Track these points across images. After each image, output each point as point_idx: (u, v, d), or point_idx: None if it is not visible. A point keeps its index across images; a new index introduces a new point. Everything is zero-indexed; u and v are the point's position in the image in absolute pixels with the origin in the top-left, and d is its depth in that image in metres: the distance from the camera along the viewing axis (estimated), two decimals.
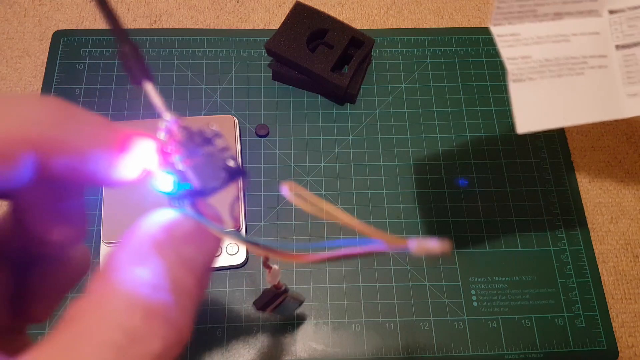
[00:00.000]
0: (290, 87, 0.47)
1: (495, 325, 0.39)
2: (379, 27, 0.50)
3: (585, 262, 0.41)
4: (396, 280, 0.40)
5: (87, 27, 0.49)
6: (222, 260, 0.39)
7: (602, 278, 0.41)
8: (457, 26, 0.51)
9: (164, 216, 0.13)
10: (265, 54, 0.46)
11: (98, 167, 0.13)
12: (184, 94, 0.46)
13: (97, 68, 0.47)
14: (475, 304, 0.39)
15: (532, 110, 0.26)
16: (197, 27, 0.50)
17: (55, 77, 0.46)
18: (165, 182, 0.14)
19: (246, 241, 0.14)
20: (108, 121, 0.14)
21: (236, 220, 0.15)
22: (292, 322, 0.38)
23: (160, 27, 0.49)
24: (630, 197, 0.44)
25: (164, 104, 0.14)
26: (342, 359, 0.37)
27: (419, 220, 0.42)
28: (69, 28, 0.49)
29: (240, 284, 0.39)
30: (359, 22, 0.51)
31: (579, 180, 0.44)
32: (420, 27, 0.51)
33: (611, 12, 0.27)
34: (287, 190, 0.14)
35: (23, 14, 0.50)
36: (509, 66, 0.27)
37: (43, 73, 0.46)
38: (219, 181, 0.14)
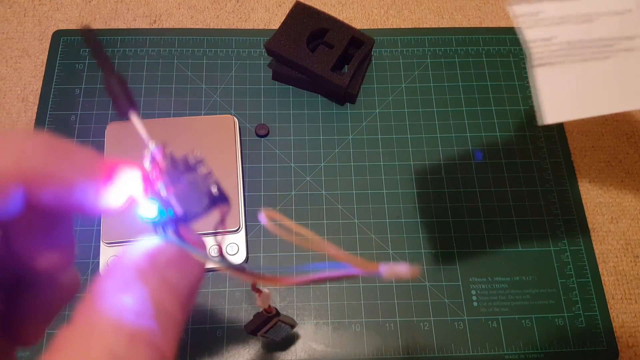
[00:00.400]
0: (290, 87, 0.47)
1: (496, 325, 0.39)
2: (379, 27, 0.50)
3: (586, 262, 0.41)
4: (396, 280, 0.40)
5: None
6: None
7: (602, 278, 0.41)
8: (457, 26, 0.51)
9: (147, 243, 0.14)
10: (265, 54, 0.46)
11: (85, 197, 0.14)
12: (184, 93, 0.46)
13: (97, 68, 0.47)
14: (475, 304, 0.39)
15: (560, 99, 0.25)
16: (197, 26, 0.50)
17: (55, 77, 0.46)
18: (149, 209, 0.14)
19: (230, 267, 0.14)
20: (95, 153, 0.14)
21: (219, 246, 0.15)
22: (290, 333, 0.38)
23: (160, 27, 0.49)
24: (631, 197, 0.44)
25: (147, 134, 0.15)
26: (342, 359, 0.37)
27: (419, 220, 0.42)
28: (69, 28, 0.49)
29: (240, 284, 0.39)
30: (359, 21, 0.50)
31: (579, 180, 0.44)
32: (421, 26, 0.51)
33: None
34: (264, 218, 0.14)
35: (23, 14, 0.50)
36: (532, 49, 0.25)
37: (43, 73, 0.46)
38: (201, 207, 0.15)
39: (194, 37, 0.48)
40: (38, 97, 0.45)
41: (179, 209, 0.14)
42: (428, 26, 0.51)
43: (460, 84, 0.47)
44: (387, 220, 0.42)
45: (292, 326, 0.32)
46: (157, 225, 0.15)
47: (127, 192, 0.15)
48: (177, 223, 0.14)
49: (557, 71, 0.25)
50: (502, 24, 0.51)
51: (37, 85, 0.46)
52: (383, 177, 0.43)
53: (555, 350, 0.38)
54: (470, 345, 0.38)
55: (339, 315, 0.39)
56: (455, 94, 0.47)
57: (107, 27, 0.49)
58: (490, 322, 0.39)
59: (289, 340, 0.37)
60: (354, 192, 0.43)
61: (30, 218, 0.15)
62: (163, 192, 0.14)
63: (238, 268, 0.15)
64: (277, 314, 0.28)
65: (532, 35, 0.25)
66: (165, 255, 0.14)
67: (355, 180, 0.43)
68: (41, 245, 0.15)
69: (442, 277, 0.40)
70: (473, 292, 0.40)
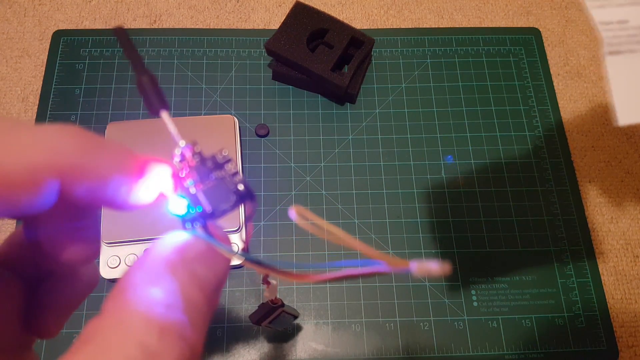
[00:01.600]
0: (290, 87, 0.47)
1: (496, 325, 0.39)
2: (379, 27, 0.50)
3: (586, 262, 0.41)
4: (396, 280, 0.40)
5: (87, 27, 0.49)
6: None
7: (602, 278, 0.41)
8: (457, 26, 0.51)
9: (177, 238, 0.14)
10: (265, 54, 0.46)
11: (117, 192, 0.14)
12: (184, 93, 0.46)
13: (97, 68, 0.47)
14: (475, 304, 0.39)
15: (634, 89, 0.21)
16: (197, 27, 0.50)
17: (55, 77, 0.46)
18: (178, 205, 0.15)
19: (252, 261, 0.15)
20: (126, 148, 0.14)
21: (246, 242, 0.16)
22: (292, 323, 0.38)
23: (160, 27, 0.49)
24: (631, 197, 0.44)
25: (178, 132, 0.15)
26: (342, 359, 0.37)
27: (419, 220, 0.42)
28: (69, 28, 0.49)
29: (240, 284, 0.39)
30: (359, 21, 0.50)
31: (579, 180, 0.44)
32: (421, 27, 0.51)
33: None
34: (294, 214, 0.14)
35: (23, 14, 0.50)
36: (604, 33, 0.21)
37: (43, 73, 0.46)
38: (229, 204, 0.15)
39: (194, 37, 0.48)
40: (38, 97, 0.45)
41: (207, 206, 0.15)
42: (428, 26, 0.51)
43: (460, 84, 0.47)
44: (387, 220, 0.42)
45: (295, 317, 0.33)
46: (186, 221, 0.15)
47: (157, 188, 0.15)
48: (205, 219, 0.15)
49: (633, 60, 0.21)
50: (502, 24, 0.51)
51: (37, 85, 0.46)
52: (383, 177, 0.43)
53: (555, 350, 0.38)
54: (470, 345, 0.38)
55: (339, 315, 0.39)
56: (455, 94, 0.47)
57: (107, 27, 0.49)
58: (490, 322, 0.39)
59: (291, 331, 0.38)
60: (354, 192, 0.43)
61: (60, 211, 0.15)
62: (192, 189, 0.15)
63: (258, 261, 0.15)
64: (282, 304, 0.29)
65: (603, 17, 0.21)
66: (194, 250, 0.14)
67: (355, 180, 0.43)
68: (68, 238, 0.15)
69: (442, 277, 0.40)
70: (473, 292, 0.40)
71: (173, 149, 0.15)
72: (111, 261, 0.38)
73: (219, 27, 0.50)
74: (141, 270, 0.13)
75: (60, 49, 0.47)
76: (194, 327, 0.13)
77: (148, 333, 0.12)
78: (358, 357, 0.37)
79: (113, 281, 0.38)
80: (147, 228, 0.37)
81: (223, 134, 0.42)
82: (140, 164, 0.14)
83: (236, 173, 0.15)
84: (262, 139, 0.44)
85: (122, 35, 0.16)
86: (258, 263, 0.15)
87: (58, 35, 0.48)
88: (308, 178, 0.43)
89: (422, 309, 0.39)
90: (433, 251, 0.41)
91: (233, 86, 0.46)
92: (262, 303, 0.29)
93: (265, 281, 0.22)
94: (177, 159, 0.15)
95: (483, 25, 0.51)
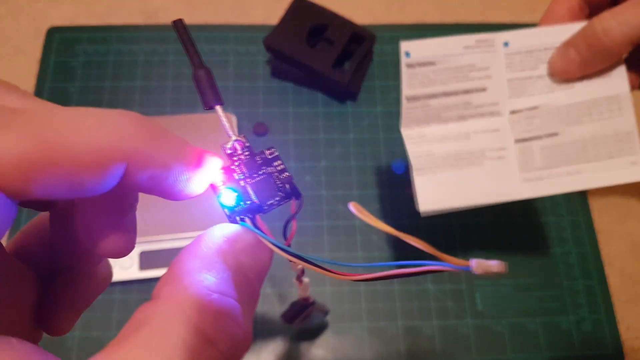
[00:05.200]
0: (290, 84, 0.46)
1: (500, 329, 0.38)
2: (381, 23, 0.49)
3: (592, 264, 0.40)
4: (398, 283, 0.39)
5: (82, 24, 0.48)
6: None
7: (608, 280, 0.40)
8: (460, 22, 0.50)
9: (227, 229, 0.15)
10: (264, 50, 0.45)
11: (176, 181, 0.14)
12: (180, 91, 0.45)
13: (92, 65, 0.46)
14: (479, 307, 0.39)
15: (433, 194, 0.30)
16: (193, 22, 0.49)
17: (49, 74, 0.45)
18: (229, 198, 0.15)
19: (298, 257, 0.15)
20: (184, 139, 0.15)
21: (290, 237, 0.16)
22: (292, 327, 0.37)
23: (155, 23, 0.48)
24: (637, 198, 0.43)
25: (231, 126, 0.16)
26: None
27: (421, 221, 0.41)
28: (64, 25, 0.48)
29: None
30: (360, 17, 0.49)
31: None
32: (423, 22, 0.50)
33: (512, 112, 0.30)
34: (354, 209, 0.15)
35: (17, 11, 0.49)
36: (413, 161, 0.30)
37: (37, 71, 0.45)
38: (276, 199, 0.16)
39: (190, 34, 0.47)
40: (32, 94, 0.44)
41: (255, 199, 0.15)
42: (431, 22, 0.50)
43: None
44: (390, 221, 0.41)
45: (326, 313, 0.33)
46: (236, 214, 0.15)
47: (210, 180, 0.15)
48: (254, 212, 0.15)
49: (432, 176, 0.30)
50: (506, 20, 0.50)
51: (32, 83, 0.45)
52: (384, 177, 0.43)
53: (560, 353, 0.37)
54: (474, 349, 0.37)
55: (340, 319, 0.38)
56: None
57: (102, 24, 0.48)
58: (494, 325, 0.38)
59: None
60: (354, 192, 0.42)
61: (107, 199, 0.15)
62: (242, 183, 0.15)
63: (303, 258, 0.15)
64: (313, 302, 0.29)
65: (414, 151, 0.30)
66: (244, 241, 0.15)
67: (355, 180, 0.42)
68: (109, 228, 0.15)
69: (446, 280, 0.39)
70: (477, 295, 0.39)
71: (224, 143, 0.16)
72: (123, 262, 0.37)
73: (216, 23, 0.49)
74: (195, 258, 0.13)
75: (55, 46, 0.46)
76: (245, 314, 0.13)
77: (204, 318, 0.12)
78: None
79: (125, 283, 0.38)
80: (158, 227, 0.37)
81: (221, 132, 0.41)
82: (197, 155, 0.15)
83: (284, 170, 0.16)
84: (261, 137, 0.44)
85: (180, 28, 0.16)
86: (303, 259, 0.15)
87: (52, 32, 0.47)
88: (308, 178, 0.42)
89: (425, 312, 0.38)
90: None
91: (231, 83, 0.46)
92: (294, 302, 0.30)
93: (299, 279, 0.23)
94: (228, 152, 0.16)
95: (486, 21, 0.50)
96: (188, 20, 0.53)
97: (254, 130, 0.44)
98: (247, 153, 0.16)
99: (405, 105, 0.30)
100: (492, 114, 0.31)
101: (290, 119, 0.44)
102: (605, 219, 0.42)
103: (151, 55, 0.46)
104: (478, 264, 0.13)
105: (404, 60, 0.30)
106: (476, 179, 0.30)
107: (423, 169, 0.30)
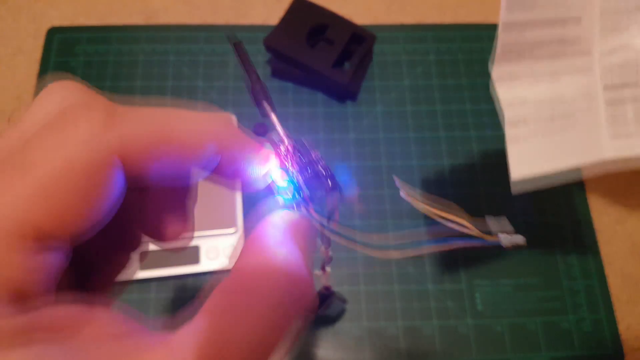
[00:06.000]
0: (290, 84, 0.46)
1: (500, 329, 0.38)
2: (381, 23, 0.49)
3: (592, 264, 0.40)
4: (398, 283, 0.39)
5: (82, 24, 0.48)
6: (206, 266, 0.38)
7: (608, 280, 0.40)
8: (460, 22, 0.50)
9: (288, 215, 0.17)
10: (264, 50, 0.45)
11: (249, 172, 0.17)
12: (180, 91, 0.45)
13: (92, 65, 0.46)
14: (479, 307, 0.39)
15: (526, 156, 0.28)
16: (193, 22, 0.48)
17: (49, 74, 0.45)
18: (287, 189, 0.18)
19: (346, 238, 0.18)
20: (251, 139, 0.17)
21: (335, 223, 0.19)
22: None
23: (156, 23, 0.48)
24: (637, 198, 0.43)
25: (284, 131, 0.19)
26: None
27: (422, 220, 0.41)
28: (64, 25, 0.48)
29: None
30: (360, 17, 0.49)
31: (584, 180, 0.43)
32: (423, 22, 0.49)
33: (602, 54, 0.27)
34: (404, 192, 0.18)
35: (17, 11, 0.49)
36: (507, 111, 0.28)
37: (37, 71, 0.45)
38: (323, 192, 0.18)
39: (190, 34, 0.47)
40: (32, 95, 0.44)
41: (307, 192, 0.18)
42: (431, 22, 0.50)
43: (463, 81, 0.46)
44: (389, 221, 0.41)
45: (344, 301, 0.35)
46: (293, 203, 0.18)
47: (271, 175, 0.18)
48: (307, 202, 0.18)
49: (527, 131, 0.28)
50: None
51: (32, 83, 0.45)
52: (384, 177, 0.43)
53: (560, 353, 0.37)
54: (474, 349, 0.37)
55: (340, 319, 0.38)
56: (459, 91, 0.46)
57: (102, 24, 0.48)
58: (494, 325, 0.38)
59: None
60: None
61: (181, 187, 0.17)
62: (295, 178, 0.18)
63: (351, 239, 0.18)
64: (333, 291, 0.31)
65: (508, 96, 0.28)
66: (302, 225, 0.17)
67: (355, 180, 0.42)
68: (175, 213, 0.18)
69: (446, 280, 0.39)
70: (477, 295, 0.39)
71: (291, 143, 0.19)
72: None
73: (216, 23, 0.49)
74: (270, 237, 0.15)
75: (55, 46, 0.46)
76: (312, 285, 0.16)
77: (289, 283, 0.14)
78: None
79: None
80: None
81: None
82: (265, 155, 0.17)
83: (327, 168, 0.19)
84: (261, 137, 0.44)
85: (238, 46, 0.20)
86: (346, 238, 0.18)
87: (52, 32, 0.47)
88: None
89: (425, 312, 0.38)
90: (436, 253, 0.40)
91: (231, 84, 0.45)
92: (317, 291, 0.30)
93: (323, 269, 0.24)
94: (283, 152, 0.19)
95: (486, 22, 0.50)
96: (188, 20, 0.53)
97: (254, 130, 0.44)
98: (298, 154, 0.19)
99: (500, 35, 0.27)
100: (582, 53, 0.27)
101: (290, 119, 0.44)
102: (605, 219, 0.42)
103: (151, 55, 0.46)
104: (506, 239, 0.16)
105: None
106: (567, 135, 0.27)
107: (517, 123, 0.28)
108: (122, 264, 0.20)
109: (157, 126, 0.14)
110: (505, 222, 0.15)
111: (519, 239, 0.15)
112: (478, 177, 0.43)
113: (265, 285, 0.14)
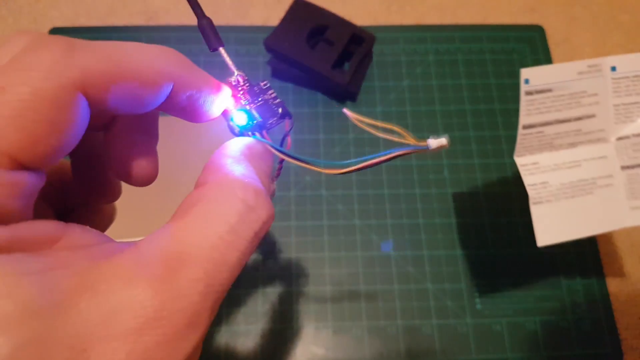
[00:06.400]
0: (290, 84, 0.46)
1: (499, 328, 0.38)
2: (381, 24, 0.50)
3: (590, 263, 0.40)
4: (398, 282, 0.39)
5: (83, 25, 0.48)
6: None
7: (606, 280, 0.40)
8: (460, 23, 0.50)
9: (244, 140, 0.18)
10: (264, 51, 0.45)
11: (204, 103, 0.18)
12: None
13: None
14: (478, 306, 0.39)
15: (550, 227, 0.31)
16: (194, 23, 0.49)
17: None
18: (241, 118, 0.19)
19: (297, 159, 0.19)
20: (205, 72, 0.18)
21: (287, 147, 0.20)
22: (291, 325, 0.38)
23: (156, 24, 0.48)
24: None
25: (233, 64, 0.20)
26: None
27: (420, 221, 0.41)
28: (65, 26, 0.48)
29: (237, 284, 0.39)
30: (360, 18, 0.50)
31: None
32: (423, 23, 0.50)
33: (618, 138, 0.31)
34: (349, 113, 0.19)
35: (18, 11, 0.49)
36: (530, 192, 0.31)
37: None
38: (274, 119, 0.20)
39: (191, 34, 0.47)
40: None
41: (259, 119, 0.19)
42: (430, 23, 0.50)
43: (463, 82, 0.47)
44: (389, 221, 0.41)
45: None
46: (248, 129, 0.19)
47: (225, 104, 0.19)
48: (260, 129, 0.19)
49: (548, 206, 0.31)
50: (506, 21, 0.50)
51: None
52: (384, 177, 0.43)
53: (559, 353, 0.37)
54: (473, 348, 0.37)
55: (339, 318, 0.38)
56: (458, 92, 0.46)
57: (103, 24, 0.48)
58: (493, 325, 0.38)
59: (289, 344, 0.37)
60: (354, 192, 0.42)
61: (137, 124, 0.18)
62: (247, 107, 0.19)
63: (301, 159, 0.19)
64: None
65: (531, 181, 0.31)
66: (257, 148, 0.18)
67: (355, 180, 0.43)
68: (141, 156, 0.19)
69: (445, 279, 0.39)
70: (476, 294, 0.39)
71: (228, 77, 0.20)
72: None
73: (216, 24, 0.49)
74: (227, 157, 0.17)
75: None
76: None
77: (246, 192, 0.15)
78: None
79: None
80: (157, 226, 0.37)
81: (219, 132, 0.41)
82: (217, 84, 0.18)
83: (276, 97, 0.20)
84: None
85: None
86: (295, 158, 0.19)
87: (54, 33, 0.47)
88: (307, 178, 0.43)
89: (424, 312, 0.38)
90: (435, 252, 0.40)
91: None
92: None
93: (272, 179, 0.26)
94: (233, 83, 0.20)
95: (486, 22, 0.50)
96: (188, 21, 0.53)
97: None
98: (247, 85, 0.20)
99: (521, 133, 0.31)
100: (599, 140, 0.31)
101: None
102: None
103: None
104: (432, 142, 0.17)
105: (523, 87, 0.30)
106: (589, 209, 0.31)
107: (539, 199, 0.31)
108: (108, 216, 0.21)
109: (115, 55, 0.15)
110: (443, 137, 0.17)
111: (443, 140, 0.17)
112: (478, 177, 0.43)
113: (223, 196, 0.15)
